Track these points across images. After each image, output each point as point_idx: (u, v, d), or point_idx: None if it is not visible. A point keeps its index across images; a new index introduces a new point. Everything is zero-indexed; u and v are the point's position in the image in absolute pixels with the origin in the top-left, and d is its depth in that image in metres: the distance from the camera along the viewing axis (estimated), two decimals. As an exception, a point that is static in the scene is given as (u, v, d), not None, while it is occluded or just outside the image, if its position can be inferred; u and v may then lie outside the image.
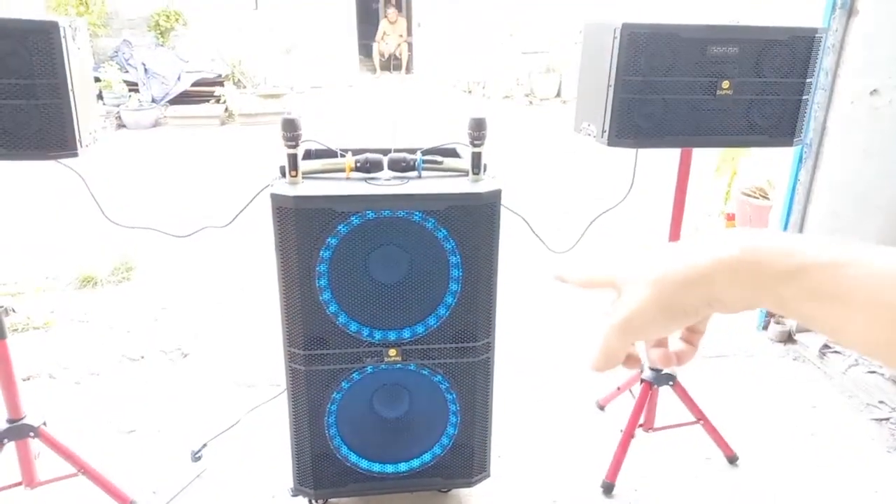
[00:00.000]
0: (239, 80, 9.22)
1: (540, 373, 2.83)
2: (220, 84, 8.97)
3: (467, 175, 1.80)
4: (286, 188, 1.67)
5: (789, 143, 1.88)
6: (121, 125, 8.44)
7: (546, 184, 5.94)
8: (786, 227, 2.98)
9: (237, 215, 2.02)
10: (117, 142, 7.77)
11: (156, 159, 6.97)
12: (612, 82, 1.74)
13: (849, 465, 2.27)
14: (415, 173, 1.82)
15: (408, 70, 12.12)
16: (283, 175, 1.73)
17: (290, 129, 1.68)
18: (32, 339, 3.09)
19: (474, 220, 1.72)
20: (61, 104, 1.51)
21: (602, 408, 2.58)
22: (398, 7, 12.52)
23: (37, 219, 4.67)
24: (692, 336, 0.56)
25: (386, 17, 12.20)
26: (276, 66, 9.54)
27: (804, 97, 1.82)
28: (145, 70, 8.63)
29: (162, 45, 9.08)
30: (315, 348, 1.77)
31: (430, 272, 1.75)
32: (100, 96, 8.57)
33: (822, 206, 2.88)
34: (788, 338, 3.07)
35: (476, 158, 1.77)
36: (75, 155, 1.56)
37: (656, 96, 1.75)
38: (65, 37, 1.50)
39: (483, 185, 1.74)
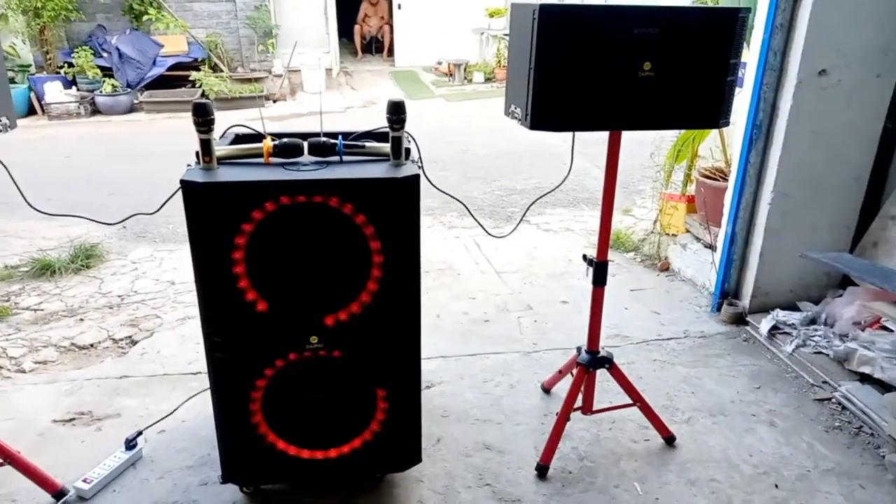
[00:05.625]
0: (216, 63, 9.11)
1: (486, 355, 2.83)
2: (197, 68, 8.87)
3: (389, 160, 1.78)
4: (197, 175, 1.64)
5: (716, 125, 1.87)
6: (95, 111, 8.35)
7: (510, 169, 5.91)
8: (737, 209, 2.97)
9: (165, 202, 1.99)
10: (86, 128, 7.70)
11: (122, 145, 6.91)
12: (533, 65, 1.71)
13: (786, 445, 2.28)
14: (336, 158, 1.80)
15: (389, 53, 11.99)
16: (199, 161, 1.71)
17: (202, 114, 1.65)
18: (-17, 328, 3.07)
19: (393, 206, 1.70)
20: (-42, 91, 1.49)
21: (547, 391, 2.58)
22: (380, -12, 12.35)
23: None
24: None
25: (367, -2, 12.06)
26: (253, 49, 9.42)
27: (730, 78, 1.80)
28: (119, 55, 8.51)
29: (136, 30, 8.94)
30: (235, 336, 1.76)
31: (351, 258, 1.73)
32: (73, 82, 8.48)
33: (774, 188, 2.86)
34: (740, 319, 3.07)
35: (396, 143, 1.75)
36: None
37: (577, 79, 1.72)
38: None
39: (402, 171, 1.72)
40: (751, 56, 2.84)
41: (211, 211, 1.63)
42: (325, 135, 1.84)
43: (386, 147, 1.80)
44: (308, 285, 1.74)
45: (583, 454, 2.23)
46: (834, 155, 2.84)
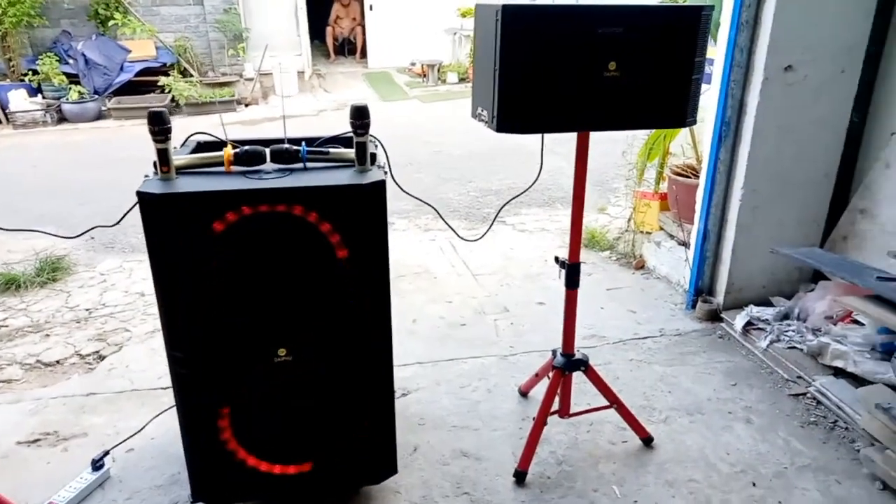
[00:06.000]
0: (185, 68, 8.97)
1: (463, 360, 2.80)
2: (166, 73, 8.72)
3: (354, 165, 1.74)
4: (154, 185, 1.59)
5: (682, 124, 1.86)
6: (62, 118, 8.17)
7: (485, 169, 5.89)
8: (708, 206, 2.98)
9: (125, 215, 1.92)
10: (53, 137, 7.53)
11: (90, 153, 6.76)
12: (498, 66, 1.68)
13: (762, 442, 2.28)
14: (300, 165, 1.75)
15: (362, 55, 11.91)
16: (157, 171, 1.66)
17: (158, 123, 1.60)
18: (-57, 347, 2.96)
19: (359, 213, 1.66)
20: None
21: (525, 394, 2.56)
22: (351, -10, 12.25)
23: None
24: None
25: (339, 0, 11.96)
26: (224, 53, 9.29)
27: (695, 76, 1.79)
28: (86, 61, 8.33)
29: (103, 35, 8.76)
30: (200, 351, 1.70)
31: (317, 267, 1.69)
32: (38, 89, 8.29)
33: (744, 184, 2.87)
34: (715, 316, 3.08)
35: (360, 148, 1.71)
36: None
37: (542, 80, 1.70)
38: None
39: (367, 176, 1.68)
40: (718, 53, 2.84)
41: (169, 223, 1.58)
42: (290, 141, 1.80)
43: (351, 153, 1.76)
44: (274, 296, 1.70)
45: (561, 458, 2.21)
46: (802, 150, 2.86)
